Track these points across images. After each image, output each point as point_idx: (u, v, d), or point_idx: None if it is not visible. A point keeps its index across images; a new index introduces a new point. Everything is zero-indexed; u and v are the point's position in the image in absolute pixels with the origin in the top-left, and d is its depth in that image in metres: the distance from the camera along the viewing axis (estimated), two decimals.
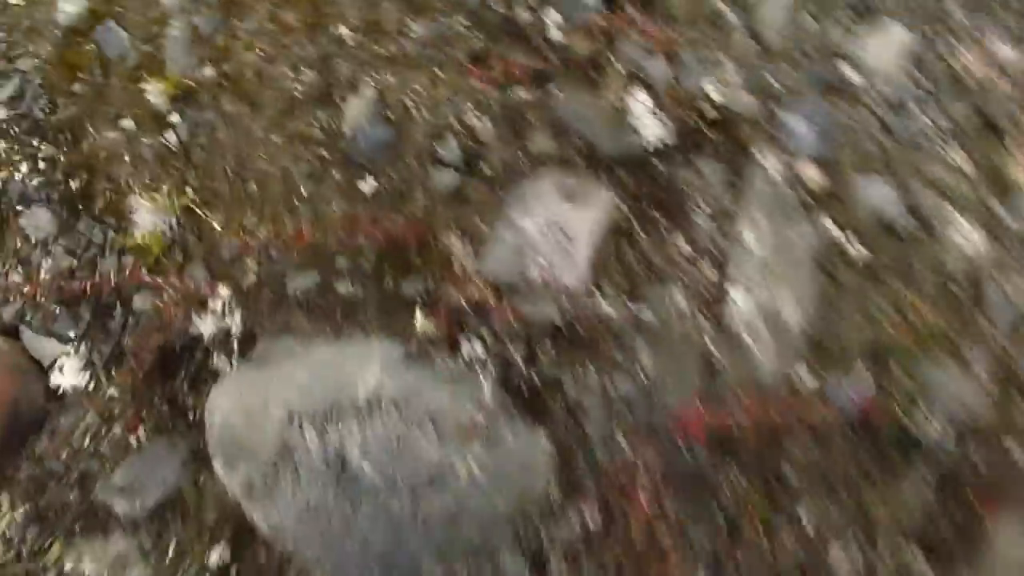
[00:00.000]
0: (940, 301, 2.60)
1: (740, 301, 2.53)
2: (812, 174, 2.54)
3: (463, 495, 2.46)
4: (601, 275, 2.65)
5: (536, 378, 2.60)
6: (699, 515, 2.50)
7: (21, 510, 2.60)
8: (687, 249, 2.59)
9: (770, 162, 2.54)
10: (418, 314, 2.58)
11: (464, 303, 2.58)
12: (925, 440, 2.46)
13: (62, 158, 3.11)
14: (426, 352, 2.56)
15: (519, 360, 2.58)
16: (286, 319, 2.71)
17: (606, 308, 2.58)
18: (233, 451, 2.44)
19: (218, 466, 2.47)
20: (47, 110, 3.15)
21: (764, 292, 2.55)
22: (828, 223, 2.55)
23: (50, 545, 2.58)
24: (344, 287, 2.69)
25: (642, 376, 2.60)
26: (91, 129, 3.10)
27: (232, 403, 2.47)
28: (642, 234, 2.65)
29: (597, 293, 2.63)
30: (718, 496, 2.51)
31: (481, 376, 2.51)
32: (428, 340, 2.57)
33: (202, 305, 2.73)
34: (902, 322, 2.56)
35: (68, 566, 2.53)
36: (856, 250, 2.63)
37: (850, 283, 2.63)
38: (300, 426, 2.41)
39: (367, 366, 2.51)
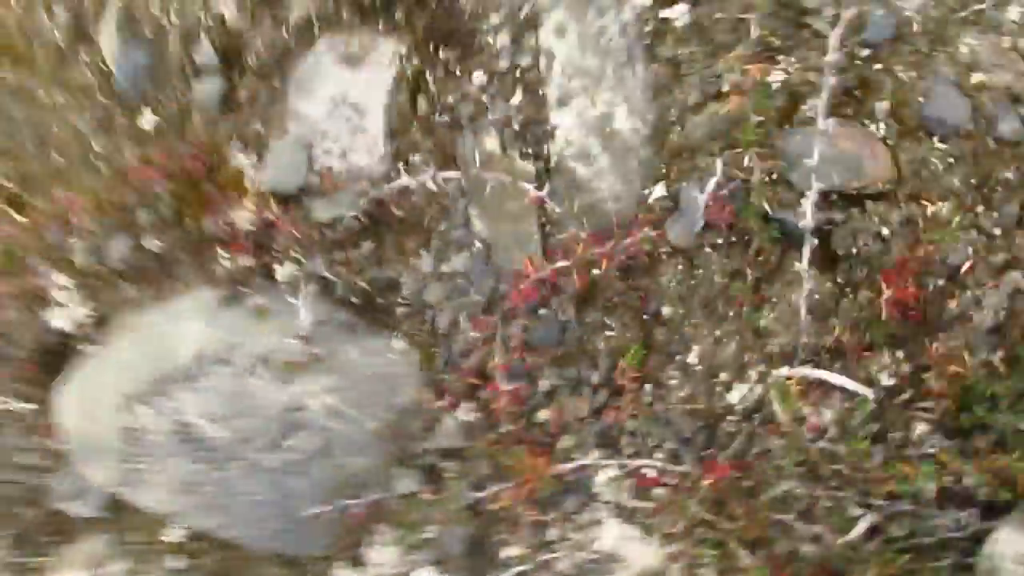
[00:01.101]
0: None
1: (563, 125, 2.12)
2: None
3: (325, 428, 2.28)
4: (404, 144, 2.27)
5: (364, 282, 2.31)
6: (573, 378, 2.20)
7: None
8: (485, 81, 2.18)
9: None
10: (220, 250, 2.33)
11: (259, 224, 2.29)
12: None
13: None
14: (241, 290, 2.33)
15: (335, 270, 2.29)
16: (120, 291, 2.53)
17: (417, 180, 2.22)
18: (87, 450, 2.37)
19: (80, 467, 2.40)
20: None
21: (587, 104, 2.10)
22: None
23: None
24: (152, 241, 2.45)
25: (478, 246, 2.25)
26: None
27: (75, 400, 2.39)
28: (435, 81, 2.23)
29: (402, 168, 2.26)
30: (586, 349, 2.19)
31: (299, 299, 2.26)
32: (242, 275, 2.33)
33: (45, 300, 2.58)
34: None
35: None
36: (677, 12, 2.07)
37: (681, 55, 2.09)
38: (135, 408, 2.29)
39: (187, 324, 2.32)
